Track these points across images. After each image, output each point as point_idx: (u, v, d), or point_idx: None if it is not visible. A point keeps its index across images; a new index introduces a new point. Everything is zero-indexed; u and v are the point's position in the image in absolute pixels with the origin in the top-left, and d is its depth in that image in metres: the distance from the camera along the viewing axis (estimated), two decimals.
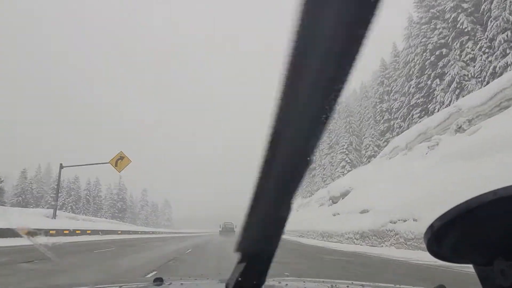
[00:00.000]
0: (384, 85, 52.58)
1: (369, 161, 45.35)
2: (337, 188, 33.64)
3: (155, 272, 7.14)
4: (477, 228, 0.60)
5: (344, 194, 29.26)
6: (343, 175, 50.44)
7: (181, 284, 1.40)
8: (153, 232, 42.80)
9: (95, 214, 75.02)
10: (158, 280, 1.42)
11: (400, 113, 44.60)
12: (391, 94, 50.48)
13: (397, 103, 48.91)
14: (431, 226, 0.63)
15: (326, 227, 25.65)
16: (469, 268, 0.69)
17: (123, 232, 29.11)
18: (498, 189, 0.54)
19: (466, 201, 0.56)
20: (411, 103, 39.48)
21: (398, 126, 47.64)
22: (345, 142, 54.46)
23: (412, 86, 39.10)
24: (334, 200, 34.09)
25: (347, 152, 53.70)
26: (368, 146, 46.87)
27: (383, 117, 51.16)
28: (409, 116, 40.47)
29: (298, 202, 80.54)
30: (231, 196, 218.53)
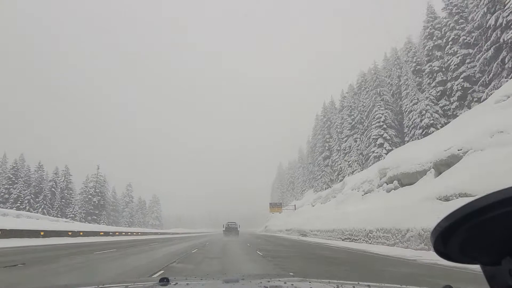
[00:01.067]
0: (434, 38, 39.74)
1: (426, 132, 32.42)
2: (407, 162, 20.50)
3: None
4: (484, 228, 0.59)
5: (444, 164, 16.23)
6: (384, 154, 37.46)
7: (187, 284, 1.40)
8: (111, 233, 28.95)
9: (63, 211, 61.27)
10: (164, 280, 1.42)
11: (473, 67, 31.86)
12: (447, 47, 37.69)
13: (457, 57, 36.27)
14: (437, 227, 0.63)
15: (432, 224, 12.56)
16: None
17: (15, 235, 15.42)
18: (505, 189, 0.53)
19: (473, 201, 0.56)
20: (503, 40, 26.57)
21: (459, 88, 34.95)
22: (381, 114, 41.44)
23: (506, 13, 26.20)
24: (403, 181, 21.00)
25: (385, 126, 40.66)
26: (423, 113, 33.84)
27: (434, 79, 38.41)
28: (497, 62, 27.57)
29: (310, 197, 67.65)
30: (227, 196, 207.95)
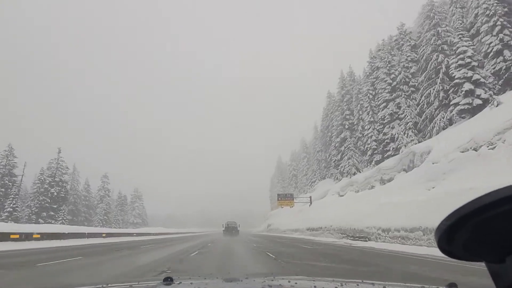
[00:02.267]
0: None
1: None
2: None
3: None
4: (488, 226, 0.59)
5: None
6: (490, 98, 22.70)
7: (191, 283, 1.40)
8: None
9: (0, 203, 45.57)
10: (168, 279, 1.42)
11: None
12: None
13: None
14: (441, 224, 0.63)
15: None
16: None
17: None
18: (507, 186, 0.53)
19: (476, 199, 0.56)
20: None
21: None
22: (467, 47, 26.74)
23: None
24: None
25: (474, 63, 25.93)
26: None
27: None
28: None
29: (329, 187, 53.29)
30: (222, 196, 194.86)
